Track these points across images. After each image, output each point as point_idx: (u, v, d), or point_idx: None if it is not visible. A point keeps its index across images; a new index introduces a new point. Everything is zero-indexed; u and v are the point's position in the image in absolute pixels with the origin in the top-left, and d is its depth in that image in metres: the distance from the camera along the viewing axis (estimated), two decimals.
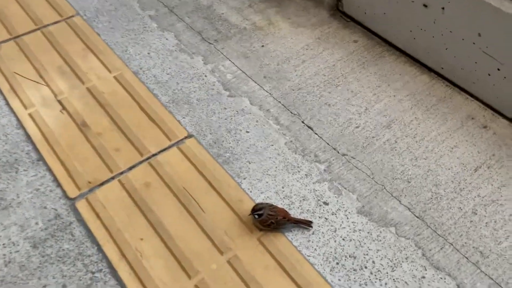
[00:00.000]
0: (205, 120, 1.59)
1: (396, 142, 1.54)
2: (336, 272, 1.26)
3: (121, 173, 1.45)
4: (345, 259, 1.28)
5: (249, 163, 1.50)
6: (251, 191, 1.43)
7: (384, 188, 1.43)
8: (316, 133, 1.57)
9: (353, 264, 1.28)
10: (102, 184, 1.42)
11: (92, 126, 1.55)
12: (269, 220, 1.30)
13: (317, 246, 1.31)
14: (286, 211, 1.35)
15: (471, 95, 1.66)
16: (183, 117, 1.60)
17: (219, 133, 1.57)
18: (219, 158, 1.51)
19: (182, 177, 1.45)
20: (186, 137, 1.56)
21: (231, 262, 1.27)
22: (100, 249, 1.28)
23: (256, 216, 1.30)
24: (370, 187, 1.43)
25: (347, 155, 1.51)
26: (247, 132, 1.58)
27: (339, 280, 1.25)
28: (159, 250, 1.30)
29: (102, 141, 1.52)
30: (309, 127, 1.59)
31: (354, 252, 1.30)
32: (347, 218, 1.37)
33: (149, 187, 1.43)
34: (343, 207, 1.39)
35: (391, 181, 1.45)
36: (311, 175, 1.47)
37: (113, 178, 1.44)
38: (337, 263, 1.28)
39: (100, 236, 1.31)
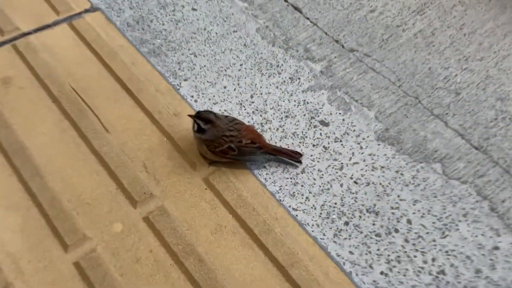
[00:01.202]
0: None
1: (433, 34, 0.96)
2: (344, 239, 0.69)
3: None
4: (360, 217, 0.72)
5: (195, 56, 0.89)
6: (196, 100, 0.82)
7: (419, 101, 0.86)
8: (307, 17, 0.97)
9: (373, 225, 0.71)
10: None
11: None
12: (225, 144, 0.71)
13: (309, 194, 0.74)
14: (257, 133, 0.76)
15: None
16: None
17: (145, 9, 0.94)
18: (143, 45, 0.89)
19: (72, 71, 0.83)
20: (87, 11, 0.91)
21: (150, 219, 0.68)
22: None
23: (196, 127, 0.71)
24: (396, 100, 0.86)
25: (357, 51, 0.92)
26: (194, 9, 0.96)
27: (351, 253, 0.68)
28: (13, 215, 0.68)
29: None
30: (296, 8, 0.98)
31: (374, 205, 0.73)
32: (361, 147, 0.79)
33: (9, 85, 0.79)
34: (354, 130, 0.81)
35: (428, 91, 0.87)
36: (299, 79, 0.87)
37: None
38: (346, 224, 0.71)
39: None
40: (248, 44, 0.92)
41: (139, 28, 0.92)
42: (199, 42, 0.91)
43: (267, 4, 0.99)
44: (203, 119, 0.70)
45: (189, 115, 0.73)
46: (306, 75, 0.88)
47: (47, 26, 0.89)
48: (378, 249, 0.69)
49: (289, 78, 0.88)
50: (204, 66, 0.88)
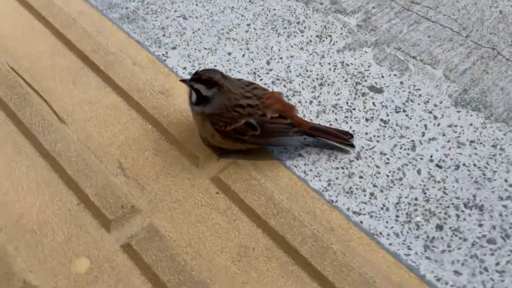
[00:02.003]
0: None
1: None
2: (442, 252, 0.44)
3: None
4: (457, 216, 0.47)
5: (185, 18, 0.65)
6: (190, 73, 0.58)
7: (498, 53, 0.62)
8: None
9: (480, 226, 0.46)
10: None
11: None
12: (241, 119, 0.46)
13: (374, 188, 0.49)
14: (287, 103, 0.51)
15: None
16: None
17: None
18: (112, 10, 0.65)
19: (10, 47, 0.59)
20: None
21: (134, 246, 0.43)
22: None
23: (194, 97, 0.47)
24: (467, 54, 0.62)
25: None
26: None
27: (458, 274, 0.43)
28: None
29: None
30: None
31: (474, 197, 0.48)
32: (435, 117, 0.55)
33: None
34: (420, 95, 0.57)
35: (507, 39, 0.64)
36: (329, 36, 0.63)
37: None
38: (439, 228, 0.46)
39: None
40: (255, 0, 0.68)
41: None
42: (189, 1, 0.67)
43: None
44: (204, 81, 0.46)
45: (182, 80, 0.48)
46: (339, 31, 0.64)
47: None
48: (497, 263, 0.43)
49: (316, 36, 0.64)
50: (198, 29, 0.64)
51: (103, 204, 0.45)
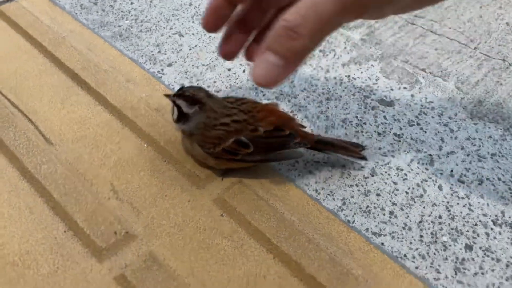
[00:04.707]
0: None
1: None
2: (475, 275, 0.40)
3: None
4: (487, 235, 0.42)
5: (181, 35, 0.62)
6: (180, 85, 0.54)
7: (510, 64, 0.59)
8: None
9: None
10: None
11: None
12: (228, 138, 0.42)
13: (393, 206, 0.44)
14: (284, 113, 0.47)
15: None
16: None
17: None
18: (104, 29, 0.62)
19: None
20: None
21: (129, 278, 0.37)
22: None
23: (175, 113, 0.44)
24: (477, 65, 0.59)
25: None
26: None
27: None
28: None
29: None
30: None
31: (503, 214, 0.44)
32: (451, 130, 0.51)
33: None
34: (433, 108, 0.54)
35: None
36: (333, 51, 0.61)
37: None
38: (468, 248, 0.41)
39: None
40: None
41: (98, 10, 0.65)
42: (184, 19, 0.65)
43: None
44: (187, 97, 0.42)
45: (166, 95, 0.45)
46: (343, 45, 0.62)
47: None
48: None
49: (320, 51, 0.61)
50: (196, 46, 0.60)
51: (94, 231, 0.40)
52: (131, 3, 0.67)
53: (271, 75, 0.34)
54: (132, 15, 0.65)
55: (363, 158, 0.47)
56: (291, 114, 0.51)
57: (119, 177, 0.45)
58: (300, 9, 0.32)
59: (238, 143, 0.42)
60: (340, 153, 0.47)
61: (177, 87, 0.55)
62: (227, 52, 0.41)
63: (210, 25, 0.41)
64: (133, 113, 0.50)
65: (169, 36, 0.62)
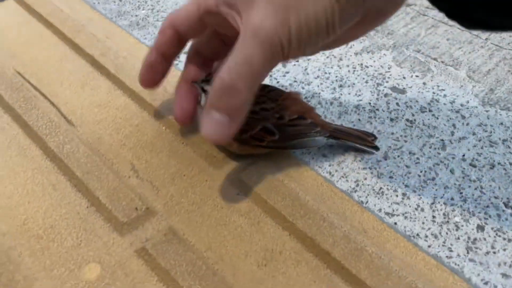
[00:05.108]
0: None
1: None
2: (487, 254, 0.40)
3: None
4: (499, 216, 0.43)
5: None
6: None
7: None
8: None
9: None
10: None
11: None
12: (257, 125, 0.43)
13: (406, 188, 0.45)
14: (306, 103, 0.48)
15: None
16: None
17: None
18: (121, 18, 0.64)
19: (17, 52, 0.57)
20: None
21: (149, 251, 0.39)
22: None
23: (204, 99, 0.44)
24: (488, 55, 0.60)
25: (414, 4, 0.68)
26: None
27: (507, 277, 0.39)
28: None
29: None
30: None
31: None
32: (463, 117, 0.52)
33: None
34: (445, 96, 0.55)
35: None
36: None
37: None
38: (480, 228, 0.42)
39: None
40: None
41: (116, 0, 0.67)
42: None
43: None
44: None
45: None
46: None
47: None
48: None
49: None
50: None
51: (115, 207, 0.41)
52: None
53: (220, 131, 0.36)
54: (148, 5, 0.66)
55: (375, 147, 0.48)
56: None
57: (139, 157, 0.46)
58: (234, 66, 0.34)
59: (265, 130, 0.44)
60: (355, 142, 0.48)
61: None
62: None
63: (148, 82, 0.46)
64: (151, 97, 0.52)
65: None
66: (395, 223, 0.42)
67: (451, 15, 0.33)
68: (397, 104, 0.53)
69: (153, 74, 0.44)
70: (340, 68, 0.58)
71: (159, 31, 0.43)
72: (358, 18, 0.35)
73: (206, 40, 0.43)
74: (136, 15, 0.64)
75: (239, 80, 0.35)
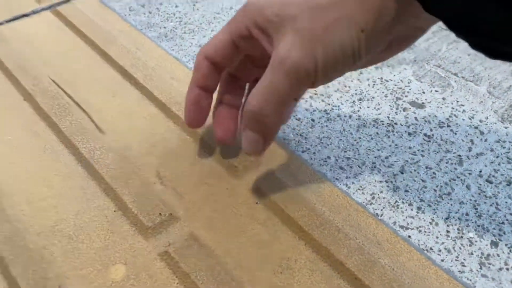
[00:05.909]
0: None
1: None
2: (499, 270, 0.41)
3: None
4: None
5: None
6: None
7: None
8: None
9: None
10: None
11: None
12: None
13: (421, 203, 0.46)
14: None
15: None
16: None
17: None
18: (151, 29, 0.67)
19: (53, 61, 0.60)
20: None
21: (172, 254, 0.41)
22: None
23: None
24: (510, 71, 0.60)
25: None
26: None
27: None
28: None
29: None
30: None
31: None
32: (481, 133, 0.53)
33: None
34: (464, 111, 0.55)
35: None
36: None
37: None
38: (494, 245, 0.43)
39: None
40: None
41: (145, 12, 0.70)
42: (225, 21, 0.68)
43: None
44: None
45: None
46: None
47: (24, 16, 0.67)
48: None
49: None
50: None
51: (141, 211, 0.44)
52: (176, 6, 0.71)
53: (255, 148, 0.41)
54: (176, 18, 0.69)
55: None
56: (325, 120, 0.53)
57: (164, 165, 0.48)
58: (261, 93, 0.37)
59: None
60: None
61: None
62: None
63: (196, 121, 0.46)
64: (177, 107, 0.54)
65: (211, 37, 0.65)
66: (409, 236, 0.43)
67: (476, 46, 0.33)
68: (416, 118, 0.54)
69: (200, 112, 0.45)
70: (360, 82, 0.59)
71: (195, 67, 0.43)
72: (384, 46, 0.37)
73: (237, 63, 0.44)
74: (165, 27, 0.67)
75: (265, 105, 0.37)
